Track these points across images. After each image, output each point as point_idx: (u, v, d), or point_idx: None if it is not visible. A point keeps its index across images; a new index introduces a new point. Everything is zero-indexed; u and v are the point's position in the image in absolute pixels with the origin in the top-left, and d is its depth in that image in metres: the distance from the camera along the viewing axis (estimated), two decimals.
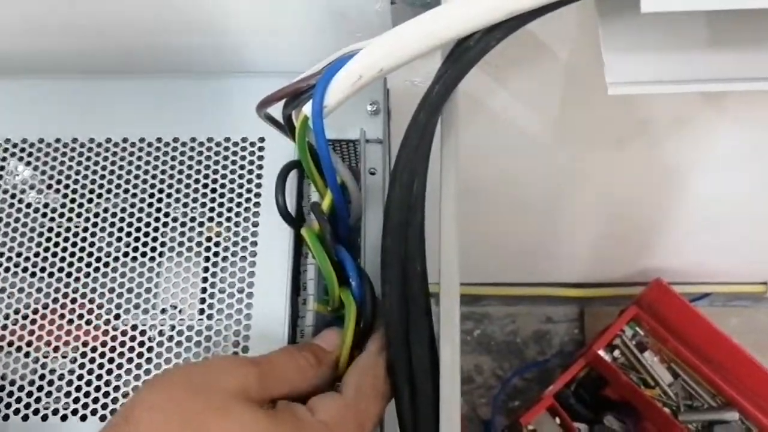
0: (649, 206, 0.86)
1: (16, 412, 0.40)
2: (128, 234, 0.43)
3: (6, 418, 0.40)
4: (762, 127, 0.63)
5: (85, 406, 0.40)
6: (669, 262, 1.05)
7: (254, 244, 0.43)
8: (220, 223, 0.43)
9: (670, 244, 0.99)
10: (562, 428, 1.00)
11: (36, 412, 0.40)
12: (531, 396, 1.12)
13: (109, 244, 0.43)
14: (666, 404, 1.00)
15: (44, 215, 0.44)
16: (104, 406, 0.40)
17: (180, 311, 0.42)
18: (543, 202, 0.81)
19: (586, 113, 0.58)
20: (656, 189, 0.80)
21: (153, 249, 0.43)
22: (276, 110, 0.38)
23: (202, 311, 0.42)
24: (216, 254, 0.43)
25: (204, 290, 0.42)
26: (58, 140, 0.46)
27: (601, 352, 1.02)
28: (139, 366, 0.41)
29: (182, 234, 0.43)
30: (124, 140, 0.45)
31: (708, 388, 0.99)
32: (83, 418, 0.39)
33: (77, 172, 0.45)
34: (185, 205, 0.44)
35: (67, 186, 0.45)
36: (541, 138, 0.62)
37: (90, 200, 0.44)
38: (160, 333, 0.42)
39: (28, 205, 0.45)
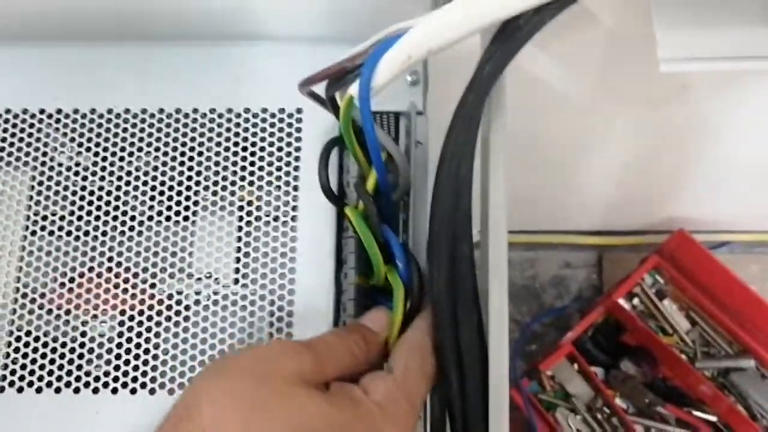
0: (673, 159, 0.85)
1: (49, 384, 0.40)
2: (161, 193, 0.43)
3: (39, 390, 0.40)
4: None
5: (125, 374, 0.40)
6: (689, 212, 1.04)
7: (294, 218, 0.43)
8: (260, 187, 0.43)
9: (691, 194, 0.99)
10: (580, 374, 1.02)
11: (68, 384, 0.40)
12: (548, 341, 1.14)
13: (143, 203, 0.43)
14: (683, 351, 1.01)
15: (76, 173, 0.44)
16: (144, 374, 0.40)
17: (215, 280, 0.42)
18: (569, 156, 0.80)
19: (625, 79, 0.57)
20: (682, 143, 0.79)
21: (186, 208, 0.43)
22: (318, 86, 0.38)
23: (236, 281, 0.42)
24: (250, 222, 0.43)
25: (238, 260, 0.42)
26: (93, 111, 0.45)
27: (621, 300, 1.03)
28: (176, 335, 0.41)
29: (222, 198, 0.43)
30: (160, 111, 0.45)
31: (725, 335, 1.01)
32: (114, 391, 0.40)
33: (114, 144, 0.44)
34: (223, 170, 0.44)
35: (96, 154, 0.44)
36: (575, 101, 0.61)
37: (129, 164, 0.44)
38: (196, 302, 0.42)
39: (65, 167, 0.44)
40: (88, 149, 0.45)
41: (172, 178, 0.44)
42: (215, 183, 0.43)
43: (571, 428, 0.99)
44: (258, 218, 0.43)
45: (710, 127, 0.72)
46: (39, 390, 0.40)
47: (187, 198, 0.43)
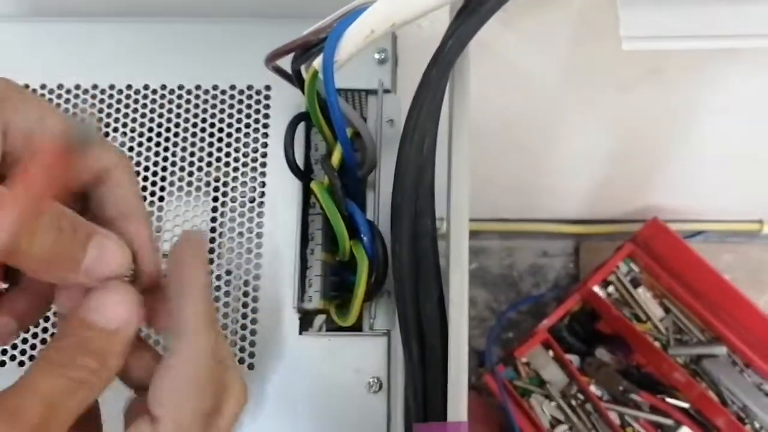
0: (648, 146, 0.86)
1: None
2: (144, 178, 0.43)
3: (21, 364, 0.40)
4: (765, 73, 0.62)
5: None
6: (666, 200, 1.06)
7: (262, 194, 0.43)
8: (227, 164, 0.43)
9: (667, 182, 1.00)
10: (555, 361, 1.03)
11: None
12: (525, 328, 1.15)
13: None
14: (656, 338, 1.03)
15: None
16: None
17: None
18: (543, 143, 0.81)
19: (594, 60, 0.57)
20: (656, 130, 0.80)
21: (162, 189, 0.43)
22: (284, 61, 0.38)
23: (212, 250, 0.42)
24: (220, 198, 0.43)
25: (212, 240, 0.42)
26: (60, 86, 0.45)
27: (596, 288, 1.04)
28: None
29: (190, 174, 0.43)
30: (128, 87, 0.45)
31: (698, 323, 1.02)
32: None
33: (82, 119, 0.44)
34: (191, 146, 0.44)
35: None
36: (546, 82, 0.61)
37: None
38: None
39: None
40: None
41: (139, 154, 0.43)
42: (183, 160, 0.43)
43: (546, 414, 1.00)
44: (225, 194, 0.43)
45: (683, 113, 0.73)
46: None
47: (162, 179, 0.43)
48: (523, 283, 1.19)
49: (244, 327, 0.41)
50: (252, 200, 0.43)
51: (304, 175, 0.41)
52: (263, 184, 0.43)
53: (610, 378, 1.02)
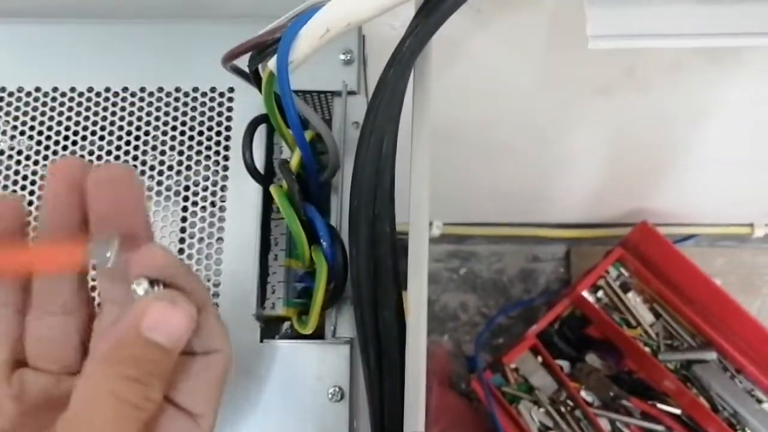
0: (638, 150, 0.85)
1: None
2: None
3: None
4: (748, 76, 0.61)
5: None
6: (656, 204, 1.05)
7: (223, 198, 0.42)
8: (189, 167, 0.42)
9: (657, 186, 0.99)
10: (544, 366, 1.01)
11: None
12: (515, 333, 1.14)
13: None
14: (647, 344, 1.01)
15: (18, 162, 0.43)
16: None
17: None
18: (529, 147, 0.80)
19: (570, 61, 0.56)
20: (645, 133, 0.79)
21: None
22: (243, 61, 0.37)
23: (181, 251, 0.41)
24: (188, 205, 0.42)
25: (182, 240, 0.41)
26: (20, 89, 0.44)
27: (585, 293, 1.03)
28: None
29: (159, 183, 0.42)
30: (89, 89, 0.44)
31: (688, 328, 1.01)
32: None
33: (41, 123, 0.43)
34: (152, 150, 0.43)
35: (40, 133, 0.43)
36: (524, 84, 0.60)
37: (65, 147, 0.43)
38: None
39: (0, 152, 0.43)
40: (22, 132, 0.43)
41: (99, 158, 0.43)
42: (144, 164, 0.42)
43: (535, 421, 0.98)
44: (186, 199, 0.42)
45: (668, 116, 0.72)
46: None
47: None
48: (513, 288, 1.18)
49: None
50: (213, 204, 0.42)
51: (264, 178, 0.40)
52: (224, 188, 0.42)
53: (600, 384, 1.01)
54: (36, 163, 0.43)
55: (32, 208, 0.42)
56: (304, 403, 0.38)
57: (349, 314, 0.39)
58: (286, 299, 0.40)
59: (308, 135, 0.38)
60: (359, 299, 0.34)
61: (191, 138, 0.43)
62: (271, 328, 0.41)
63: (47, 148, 0.43)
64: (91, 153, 0.43)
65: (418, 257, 0.34)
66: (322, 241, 0.37)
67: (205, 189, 0.42)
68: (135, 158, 0.43)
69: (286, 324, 0.43)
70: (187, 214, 0.42)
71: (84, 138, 0.43)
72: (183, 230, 0.42)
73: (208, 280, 0.40)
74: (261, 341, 0.40)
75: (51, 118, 0.43)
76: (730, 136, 0.80)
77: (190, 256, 0.41)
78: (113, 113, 0.43)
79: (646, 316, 1.02)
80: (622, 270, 1.04)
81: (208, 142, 0.43)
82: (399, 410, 0.32)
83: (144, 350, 0.24)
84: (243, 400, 0.39)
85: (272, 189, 0.38)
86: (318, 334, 0.39)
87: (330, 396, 0.38)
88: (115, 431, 0.23)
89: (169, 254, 0.25)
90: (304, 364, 0.39)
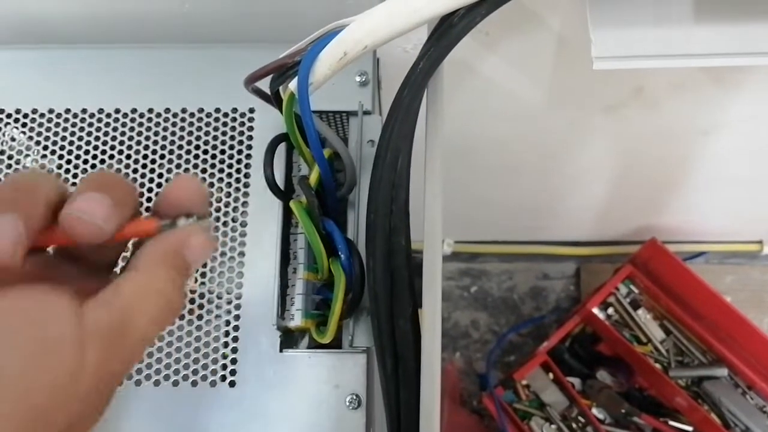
0: (646, 167, 0.86)
1: None
2: None
3: None
4: (755, 93, 0.63)
5: None
6: (666, 222, 1.06)
7: (245, 214, 0.43)
8: (212, 185, 0.44)
9: (666, 203, 1.00)
10: (555, 383, 1.02)
11: None
12: (526, 351, 1.14)
13: None
14: (657, 360, 1.02)
15: None
16: None
17: None
18: (540, 164, 0.81)
19: (578, 80, 0.58)
20: (652, 151, 0.80)
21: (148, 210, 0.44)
22: (265, 83, 0.39)
23: (204, 274, 0.43)
24: (210, 221, 0.44)
25: None
26: (51, 111, 0.46)
27: (595, 310, 1.03)
28: None
29: None
30: (116, 111, 0.46)
31: (699, 344, 1.01)
32: None
33: (71, 143, 0.45)
34: (177, 168, 0.45)
35: (70, 152, 0.45)
36: (533, 103, 0.62)
37: (93, 166, 0.45)
38: None
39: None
40: (53, 152, 0.45)
41: (126, 176, 0.44)
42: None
43: None
44: (218, 216, 0.44)
45: (675, 134, 0.74)
46: None
47: (149, 200, 0.44)
48: (524, 305, 1.19)
49: (225, 345, 0.41)
50: (234, 220, 0.43)
51: (284, 194, 0.42)
52: (246, 204, 0.44)
53: (611, 400, 1.01)
54: (65, 181, 0.45)
55: None
56: (323, 410, 0.40)
57: (365, 324, 0.40)
58: (305, 311, 0.42)
59: (326, 153, 0.40)
60: (376, 309, 0.36)
61: (213, 156, 0.45)
62: (290, 338, 0.42)
63: (76, 167, 0.45)
64: (118, 171, 0.45)
65: (432, 272, 0.35)
66: (340, 253, 0.38)
67: (227, 205, 0.44)
68: (160, 176, 0.44)
69: (305, 335, 0.44)
70: (214, 227, 0.43)
71: (111, 157, 0.45)
72: None
73: (230, 293, 0.42)
74: (281, 351, 0.41)
75: (80, 138, 0.45)
76: (738, 153, 0.81)
77: (212, 269, 0.43)
78: (139, 133, 0.45)
79: (656, 333, 1.03)
80: (632, 287, 1.05)
81: (230, 161, 0.45)
82: (415, 417, 0.34)
83: (182, 264, 0.28)
84: (263, 408, 0.40)
85: (292, 204, 0.39)
86: (336, 344, 0.41)
87: (347, 403, 0.40)
88: (160, 324, 0.27)
89: (203, 192, 0.30)
90: (323, 372, 0.40)
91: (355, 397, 0.40)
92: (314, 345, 0.42)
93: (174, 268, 0.28)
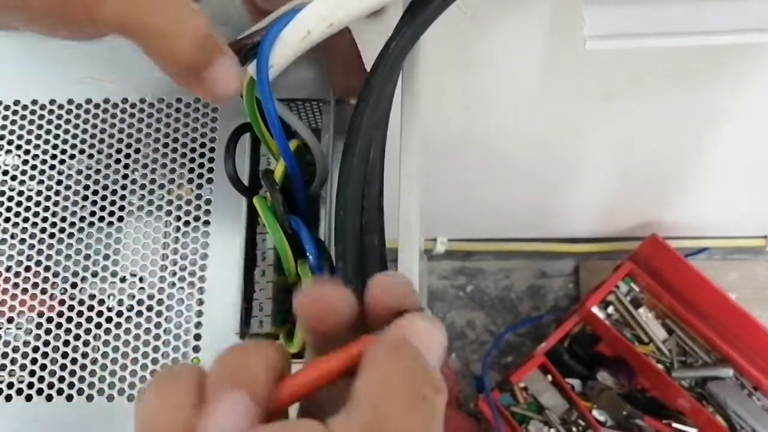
0: (645, 161, 0.83)
1: None
2: (84, 198, 0.41)
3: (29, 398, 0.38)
4: (759, 81, 0.60)
5: (41, 379, 0.38)
6: (667, 217, 1.02)
7: (207, 212, 0.40)
8: (180, 185, 0.41)
9: (667, 198, 0.97)
10: (554, 385, 0.99)
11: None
12: (524, 351, 1.11)
13: (65, 209, 0.41)
14: (660, 361, 0.99)
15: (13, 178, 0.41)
16: (61, 380, 0.38)
17: (140, 279, 0.40)
18: (534, 158, 0.78)
19: (572, 67, 0.55)
20: (651, 144, 0.77)
21: (111, 213, 0.40)
22: None
23: (162, 279, 0.39)
24: (173, 221, 0.40)
25: (165, 257, 0.40)
26: (16, 102, 0.43)
27: (595, 309, 1.00)
28: (97, 337, 0.38)
29: (141, 198, 0.41)
30: (69, 101, 0.42)
31: (702, 344, 0.98)
32: (43, 394, 0.37)
33: (19, 137, 0.42)
34: (152, 163, 0.41)
35: (18, 147, 0.42)
36: (524, 91, 0.59)
37: (43, 161, 0.41)
38: (120, 302, 0.39)
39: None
40: (10, 150, 0.42)
41: (98, 172, 0.41)
42: (144, 177, 0.41)
43: None
44: (179, 216, 0.40)
45: (675, 125, 0.70)
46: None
47: (122, 197, 0.41)
48: (521, 305, 1.16)
49: (185, 355, 0.38)
50: (197, 219, 0.40)
51: (249, 190, 0.38)
52: (209, 202, 0.40)
53: (613, 402, 0.98)
54: (22, 183, 0.41)
55: (10, 225, 0.40)
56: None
57: None
58: (274, 316, 0.38)
59: (293, 144, 0.36)
60: None
61: (174, 150, 0.41)
62: None
63: (26, 162, 0.41)
64: (88, 167, 0.41)
65: (408, 274, 0.32)
66: (308, 254, 0.35)
67: (189, 203, 0.40)
68: (134, 172, 0.41)
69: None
70: (170, 229, 0.40)
71: (81, 152, 0.41)
72: (165, 246, 0.40)
73: (190, 299, 0.38)
74: None
75: (30, 132, 0.42)
76: (741, 143, 0.78)
77: (173, 273, 0.39)
78: (94, 125, 0.42)
79: (658, 332, 1.00)
80: (633, 285, 1.02)
81: (192, 154, 0.41)
82: None
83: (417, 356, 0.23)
84: None
85: (255, 200, 0.36)
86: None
87: None
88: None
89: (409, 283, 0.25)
90: None
91: None
92: None
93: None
